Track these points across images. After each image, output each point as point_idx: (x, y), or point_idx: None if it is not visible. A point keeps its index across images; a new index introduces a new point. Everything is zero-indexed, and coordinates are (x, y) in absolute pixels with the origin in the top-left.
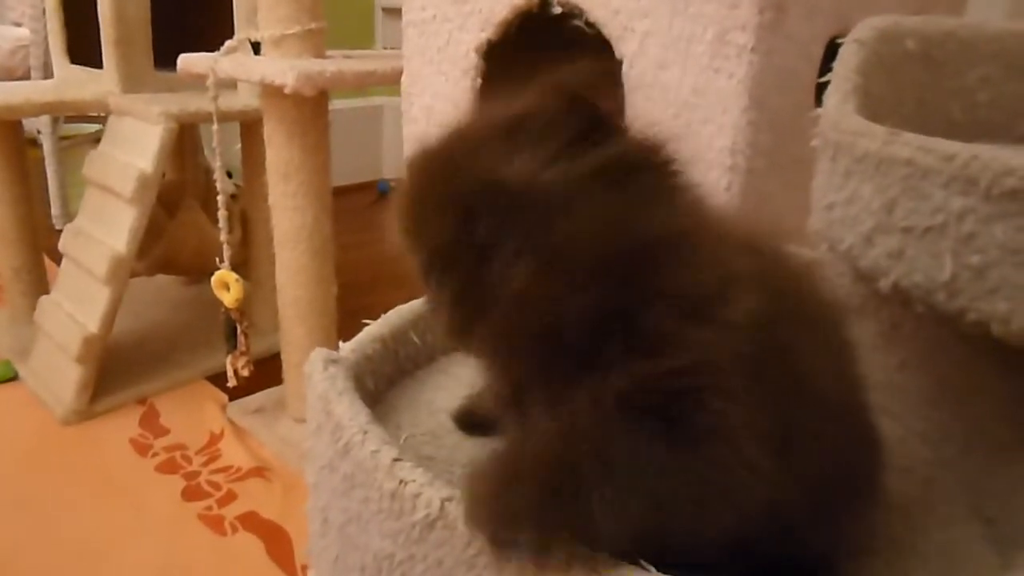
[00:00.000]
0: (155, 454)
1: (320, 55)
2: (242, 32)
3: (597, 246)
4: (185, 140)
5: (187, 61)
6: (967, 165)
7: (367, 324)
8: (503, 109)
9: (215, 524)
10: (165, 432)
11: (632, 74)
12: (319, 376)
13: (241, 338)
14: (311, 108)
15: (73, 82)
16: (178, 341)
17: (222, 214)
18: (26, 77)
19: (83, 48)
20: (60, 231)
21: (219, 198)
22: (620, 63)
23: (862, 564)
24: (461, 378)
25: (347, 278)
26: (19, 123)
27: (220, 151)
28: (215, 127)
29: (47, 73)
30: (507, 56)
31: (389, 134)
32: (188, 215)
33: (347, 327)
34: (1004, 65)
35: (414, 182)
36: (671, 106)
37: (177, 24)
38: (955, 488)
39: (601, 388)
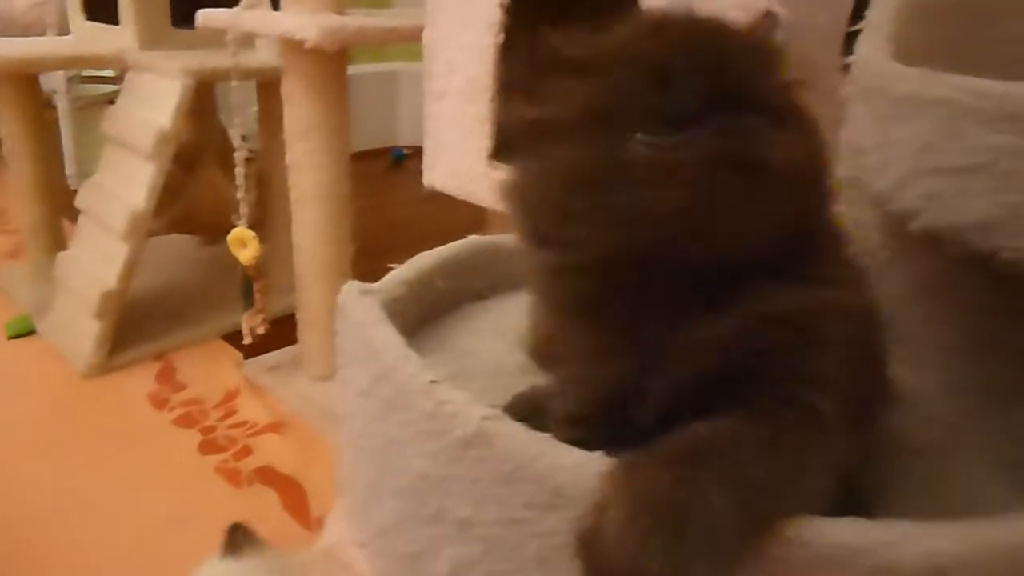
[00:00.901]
0: (172, 408)
1: (341, 12)
2: None
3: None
4: (203, 100)
5: (207, 16)
6: (1003, 102)
7: (393, 267)
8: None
9: (231, 476)
10: (182, 387)
11: None
12: (355, 305)
13: (257, 296)
14: (331, 65)
15: (91, 38)
16: (195, 299)
17: (239, 171)
18: (42, 34)
19: (100, 5)
20: (75, 191)
21: (236, 155)
22: None
23: (885, 504)
24: (485, 324)
25: (362, 242)
26: (36, 80)
27: (239, 109)
28: (234, 83)
29: (63, 30)
30: (530, 11)
31: (405, 100)
32: (205, 174)
33: None
34: None
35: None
36: None
37: None
38: (978, 436)
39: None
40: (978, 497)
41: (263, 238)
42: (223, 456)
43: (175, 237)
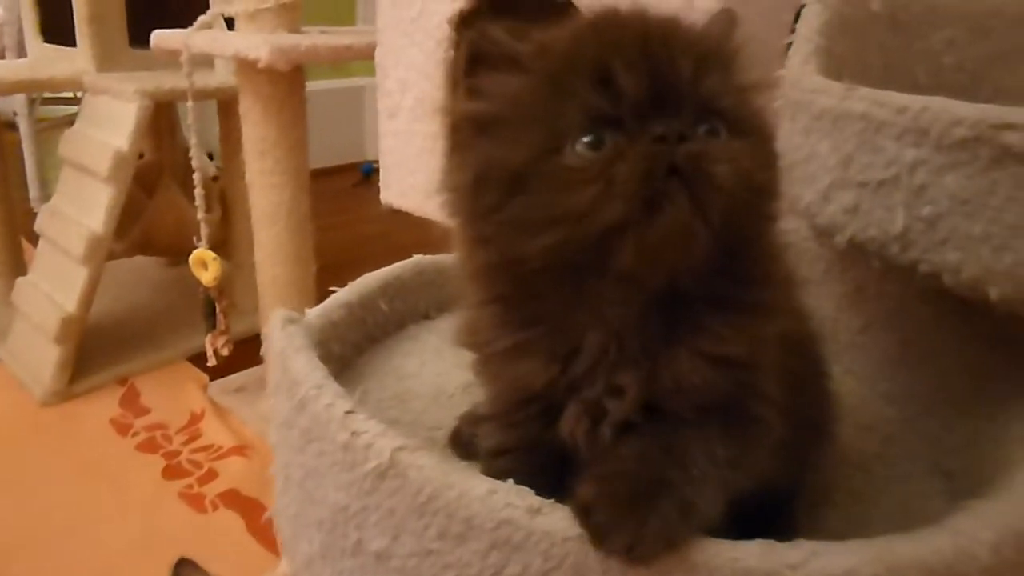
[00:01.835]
0: (135, 433)
1: (295, 30)
2: (216, 7)
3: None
4: (162, 119)
5: (160, 37)
6: (918, 116)
7: (334, 291)
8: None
9: (195, 502)
10: (146, 412)
11: None
12: (277, 335)
13: (220, 317)
14: (286, 84)
15: (47, 61)
16: (159, 322)
17: (198, 192)
18: (0, 57)
19: (57, 27)
20: (38, 214)
21: (195, 176)
22: None
23: (822, 516)
24: (429, 345)
25: (329, 259)
26: None
27: (196, 129)
28: (189, 104)
29: (21, 53)
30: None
31: (371, 115)
32: (166, 195)
33: None
34: (969, 28)
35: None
36: None
37: (153, 1)
38: (917, 445)
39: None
40: (914, 508)
41: (227, 257)
42: (187, 480)
43: (138, 259)
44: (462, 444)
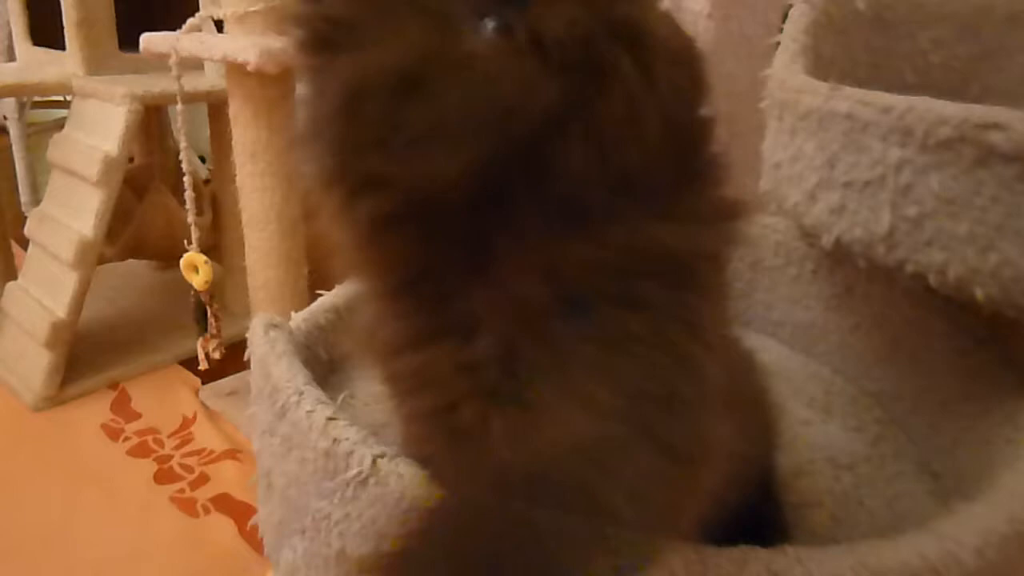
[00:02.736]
0: (127, 438)
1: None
2: (205, 10)
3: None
4: (152, 123)
5: (149, 40)
6: (903, 116)
7: (320, 295)
8: None
9: (187, 506)
10: (137, 416)
11: None
12: (259, 340)
13: (212, 320)
14: (277, 87)
15: (36, 65)
16: (150, 326)
17: (189, 195)
18: None
19: (46, 30)
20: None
21: (185, 179)
22: None
23: (808, 517)
24: None
25: (325, 263)
26: None
27: (186, 132)
28: (179, 107)
29: (10, 57)
30: None
31: None
32: (157, 198)
33: None
34: (956, 27)
35: None
36: None
37: (142, 4)
38: (905, 445)
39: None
40: (902, 508)
41: (218, 261)
42: (179, 485)
43: (128, 263)
44: None
